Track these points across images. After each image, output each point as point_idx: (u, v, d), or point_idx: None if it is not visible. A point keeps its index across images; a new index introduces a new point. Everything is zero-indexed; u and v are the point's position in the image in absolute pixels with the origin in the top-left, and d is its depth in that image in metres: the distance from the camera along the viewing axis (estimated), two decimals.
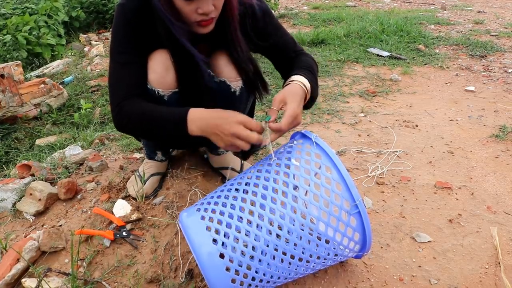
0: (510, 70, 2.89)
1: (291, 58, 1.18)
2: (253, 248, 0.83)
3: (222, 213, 0.86)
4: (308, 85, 1.02)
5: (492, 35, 3.94)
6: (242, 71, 1.12)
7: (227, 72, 1.12)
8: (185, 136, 0.96)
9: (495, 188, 1.48)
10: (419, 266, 1.10)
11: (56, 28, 3.96)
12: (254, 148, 1.50)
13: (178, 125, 0.95)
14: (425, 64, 3.10)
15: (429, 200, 1.41)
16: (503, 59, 3.18)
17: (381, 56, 3.28)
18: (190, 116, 0.94)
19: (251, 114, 1.40)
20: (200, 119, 0.93)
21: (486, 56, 3.25)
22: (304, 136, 0.96)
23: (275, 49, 1.19)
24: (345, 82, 2.72)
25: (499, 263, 1.11)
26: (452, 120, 2.10)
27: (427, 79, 2.79)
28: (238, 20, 1.04)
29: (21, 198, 1.34)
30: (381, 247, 1.17)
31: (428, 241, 1.20)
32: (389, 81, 2.74)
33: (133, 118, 1.01)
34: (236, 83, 1.14)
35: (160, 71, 1.07)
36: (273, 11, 5.80)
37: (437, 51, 3.44)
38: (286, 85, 1.02)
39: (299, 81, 1.01)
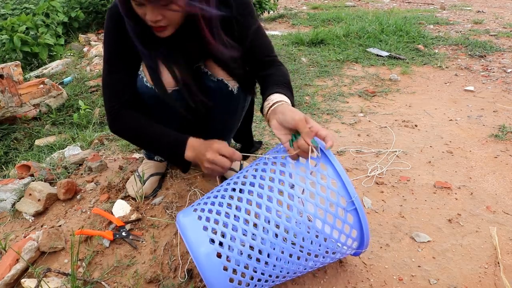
0: (509, 70, 2.89)
1: (264, 62, 1.11)
2: (251, 247, 0.83)
3: (219, 213, 0.86)
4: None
5: (491, 35, 3.95)
6: (231, 71, 1.12)
7: (221, 72, 1.12)
8: (179, 159, 1.02)
9: (495, 188, 1.48)
10: (419, 266, 1.10)
11: (55, 27, 3.95)
12: (254, 148, 1.51)
13: (176, 148, 1.01)
14: (424, 64, 3.11)
15: (428, 200, 1.41)
16: (502, 59, 3.18)
17: (380, 56, 3.28)
18: (190, 142, 1.00)
19: (250, 113, 1.39)
20: (197, 147, 0.99)
21: (485, 56, 3.26)
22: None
23: (250, 48, 1.11)
24: (344, 82, 2.72)
25: (498, 263, 1.11)
26: (451, 120, 2.10)
27: (426, 79, 2.79)
28: (215, 18, 0.97)
29: (20, 198, 1.34)
30: (381, 247, 1.17)
31: (428, 241, 1.20)
32: (388, 81, 2.75)
33: (127, 129, 1.07)
34: (233, 82, 1.14)
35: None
36: (272, 11, 5.82)
37: (436, 51, 3.44)
38: (273, 103, 0.93)
39: (286, 102, 0.94)
